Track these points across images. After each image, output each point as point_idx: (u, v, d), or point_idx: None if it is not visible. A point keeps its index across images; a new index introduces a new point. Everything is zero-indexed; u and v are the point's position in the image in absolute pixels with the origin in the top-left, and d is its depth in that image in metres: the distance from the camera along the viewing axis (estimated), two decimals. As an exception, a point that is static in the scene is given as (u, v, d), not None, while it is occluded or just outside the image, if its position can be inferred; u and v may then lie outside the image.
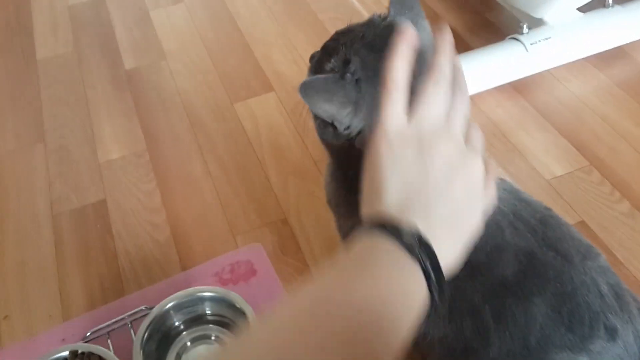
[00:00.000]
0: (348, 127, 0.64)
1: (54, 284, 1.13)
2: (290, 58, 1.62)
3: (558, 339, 0.66)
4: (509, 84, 1.40)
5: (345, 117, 0.63)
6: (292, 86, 1.53)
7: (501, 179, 0.77)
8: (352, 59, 0.64)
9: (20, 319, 1.08)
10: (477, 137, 0.56)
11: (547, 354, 0.66)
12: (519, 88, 1.41)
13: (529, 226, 0.72)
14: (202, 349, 0.99)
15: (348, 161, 0.68)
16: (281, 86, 1.54)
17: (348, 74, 0.63)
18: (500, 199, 0.73)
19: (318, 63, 0.70)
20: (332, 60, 0.66)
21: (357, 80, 0.63)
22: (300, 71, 1.58)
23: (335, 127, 0.66)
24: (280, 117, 1.45)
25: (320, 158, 1.32)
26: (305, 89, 0.61)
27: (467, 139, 0.55)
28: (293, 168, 1.31)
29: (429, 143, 0.52)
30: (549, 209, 0.77)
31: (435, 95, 0.53)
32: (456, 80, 0.55)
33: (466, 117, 0.56)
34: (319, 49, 0.72)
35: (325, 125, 0.67)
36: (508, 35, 1.41)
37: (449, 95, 0.54)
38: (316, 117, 0.69)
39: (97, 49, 1.75)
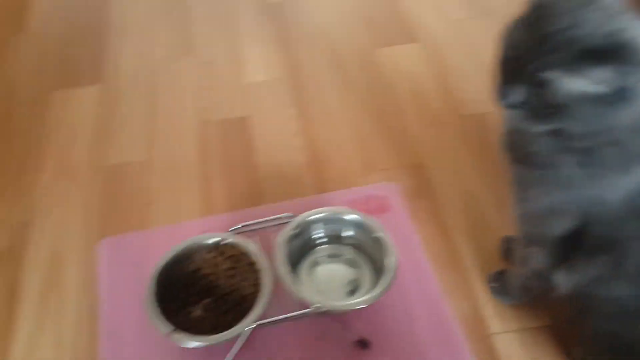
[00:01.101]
0: None
1: (197, 183, 1.19)
2: (436, 12, 1.60)
3: None
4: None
5: None
6: (438, 39, 1.52)
7: None
8: None
9: (165, 208, 1.15)
10: None
11: None
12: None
13: None
14: (334, 266, 1.01)
15: None
16: (426, 38, 1.53)
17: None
18: None
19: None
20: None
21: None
22: (446, 26, 1.56)
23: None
24: (424, 68, 1.45)
25: (466, 113, 1.31)
26: None
27: None
28: (434, 118, 1.31)
29: None
30: None
31: None
32: None
33: None
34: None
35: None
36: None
37: None
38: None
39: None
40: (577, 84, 0.58)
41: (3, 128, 1.34)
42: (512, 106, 0.65)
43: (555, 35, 0.58)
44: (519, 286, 0.91)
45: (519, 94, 0.63)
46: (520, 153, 0.75)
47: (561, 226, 0.73)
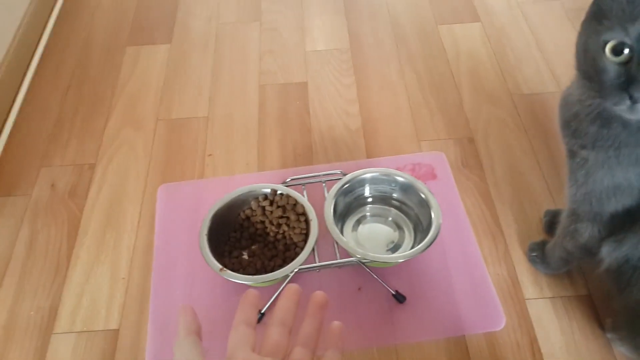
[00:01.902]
0: None
1: (253, 139, 1.25)
2: (501, -6, 1.61)
3: None
4: None
5: None
6: (499, 21, 1.53)
7: None
8: None
9: (222, 160, 1.21)
10: None
11: None
12: None
13: None
14: (377, 226, 1.06)
15: None
16: (488, 19, 1.54)
17: None
18: None
19: None
20: None
21: None
22: (508, 7, 1.57)
23: None
24: (483, 47, 1.46)
25: (520, 93, 1.32)
26: None
27: None
28: (488, 96, 1.33)
29: None
30: None
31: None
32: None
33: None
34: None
35: None
36: None
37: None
38: None
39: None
40: None
41: (80, 75, 1.44)
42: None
43: None
44: (559, 257, 0.93)
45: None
46: (584, 139, 0.73)
47: (621, 203, 0.74)
